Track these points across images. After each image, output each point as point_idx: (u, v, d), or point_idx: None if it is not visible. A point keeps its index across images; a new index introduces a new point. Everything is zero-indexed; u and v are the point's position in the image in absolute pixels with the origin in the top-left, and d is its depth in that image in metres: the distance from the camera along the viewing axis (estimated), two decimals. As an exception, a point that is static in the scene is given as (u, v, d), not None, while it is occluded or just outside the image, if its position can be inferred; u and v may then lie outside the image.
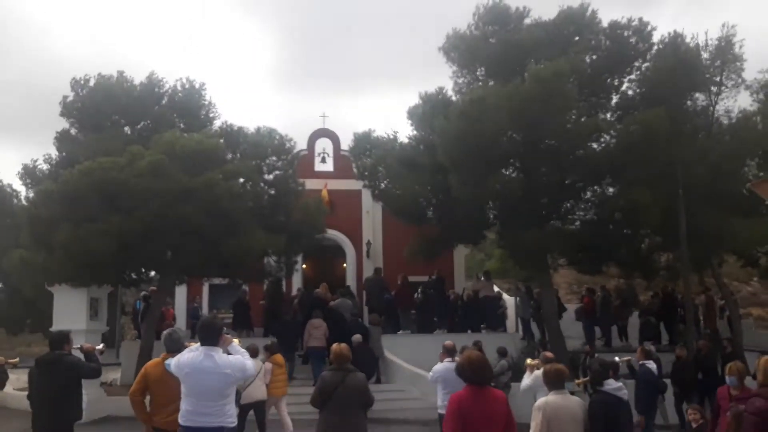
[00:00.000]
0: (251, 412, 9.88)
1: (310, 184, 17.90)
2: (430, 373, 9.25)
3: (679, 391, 12.24)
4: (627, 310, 18.32)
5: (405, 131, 17.89)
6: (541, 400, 5.23)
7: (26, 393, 6.78)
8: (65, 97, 16.55)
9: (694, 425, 7.58)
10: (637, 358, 9.51)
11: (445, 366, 8.03)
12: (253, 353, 10.22)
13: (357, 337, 13.25)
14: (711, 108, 16.08)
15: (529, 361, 8.90)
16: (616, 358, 9.44)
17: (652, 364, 9.25)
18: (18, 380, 13.81)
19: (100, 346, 7.13)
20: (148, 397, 5.72)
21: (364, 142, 17.77)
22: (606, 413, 5.30)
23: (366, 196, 20.12)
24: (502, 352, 12.37)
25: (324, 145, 22.21)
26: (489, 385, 4.69)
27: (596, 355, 12.49)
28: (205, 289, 20.08)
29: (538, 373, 6.88)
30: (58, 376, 6.18)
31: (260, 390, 9.92)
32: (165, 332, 6.09)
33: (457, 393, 4.71)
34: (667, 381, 11.41)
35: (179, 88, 16.90)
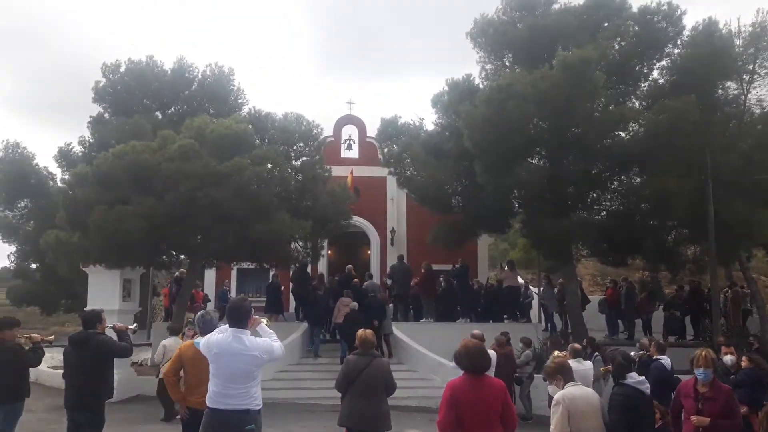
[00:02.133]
0: None
1: (336, 170, 18.04)
2: (453, 363, 9.29)
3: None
4: (652, 304, 18.07)
5: (431, 119, 17.92)
6: (559, 394, 5.16)
7: (61, 372, 6.89)
8: (97, 82, 16.97)
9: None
10: (651, 353, 9.32)
11: None
12: (175, 331, 11.15)
13: (353, 305, 14.79)
14: (743, 96, 15.77)
15: (556, 353, 8.87)
16: (632, 353, 9.33)
17: (666, 360, 9.05)
18: (52, 358, 14.31)
19: (133, 326, 7.28)
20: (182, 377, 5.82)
21: (390, 128, 17.81)
22: (627, 406, 5.23)
23: (391, 183, 20.20)
24: (527, 342, 12.37)
25: (350, 131, 22.36)
26: (485, 373, 4.67)
27: (609, 347, 12.27)
28: (234, 273, 20.44)
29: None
30: (89, 355, 6.28)
31: None
32: (198, 314, 6.17)
33: (453, 380, 4.70)
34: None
35: (209, 73, 17.21)
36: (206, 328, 5.43)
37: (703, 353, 5.71)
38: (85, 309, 11.48)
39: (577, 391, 5.12)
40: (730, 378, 7.95)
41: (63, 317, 25.15)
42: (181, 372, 5.85)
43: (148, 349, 16.72)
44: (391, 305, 17.19)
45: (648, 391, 5.62)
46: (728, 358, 8.69)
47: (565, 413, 4.93)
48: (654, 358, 8.97)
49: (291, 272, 17.90)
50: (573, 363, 7.00)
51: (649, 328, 17.66)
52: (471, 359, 4.61)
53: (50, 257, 14.41)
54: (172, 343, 10.80)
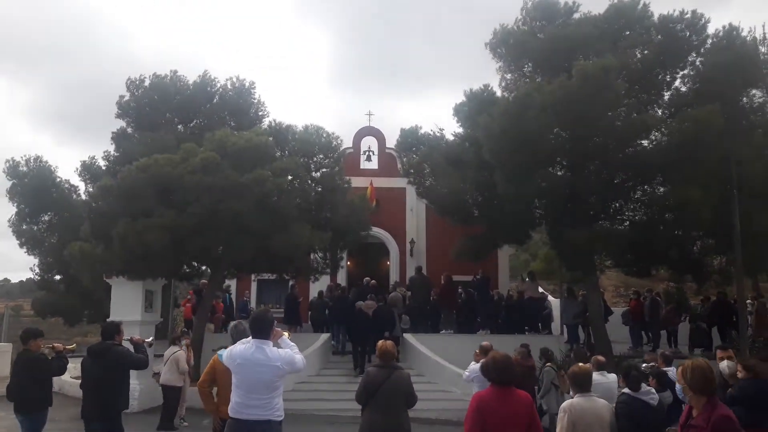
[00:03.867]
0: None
1: (356, 181, 18.08)
2: (466, 372, 9.28)
3: None
4: (678, 315, 17.65)
5: (451, 129, 17.90)
6: (566, 403, 5.15)
7: (80, 382, 7.00)
8: (121, 97, 17.24)
9: None
10: (658, 364, 9.16)
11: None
12: (174, 341, 11.51)
13: (360, 304, 15.61)
14: (768, 104, 15.47)
15: (580, 364, 8.74)
16: (643, 366, 9.18)
17: (672, 371, 8.84)
18: (75, 369, 14.47)
19: (149, 339, 7.37)
20: (215, 389, 5.85)
21: (410, 139, 17.82)
22: (630, 415, 5.30)
23: (410, 194, 20.20)
24: (547, 354, 12.23)
25: (369, 143, 22.45)
26: (513, 385, 4.60)
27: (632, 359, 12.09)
28: (254, 284, 20.55)
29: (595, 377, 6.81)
30: (108, 365, 6.37)
31: (165, 376, 11.09)
32: (231, 324, 6.21)
33: (479, 392, 4.67)
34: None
35: (230, 87, 17.39)
36: (239, 338, 5.48)
37: (682, 366, 4.23)
38: (107, 320, 11.64)
39: (586, 402, 5.08)
40: (726, 392, 6.39)
41: (86, 328, 25.41)
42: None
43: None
44: (406, 317, 17.22)
45: (654, 402, 5.66)
46: (724, 365, 6.86)
47: (569, 424, 4.93)
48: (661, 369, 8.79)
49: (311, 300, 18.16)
50: (596, 375, 6.93)
51: (675, 341, 17.32)
52: (498, 371, 4.56)
53: (74, 269, 14.60)
54: (167, 353, 11.30)
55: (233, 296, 19.02)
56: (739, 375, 6.29)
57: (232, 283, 19.26)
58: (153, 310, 14.08)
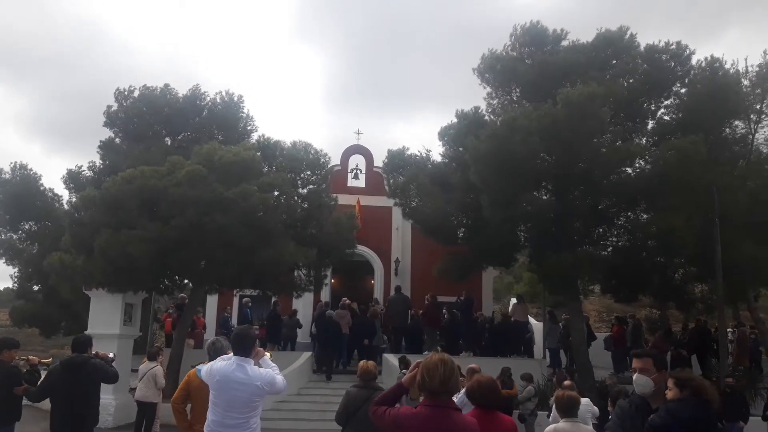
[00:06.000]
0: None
1: (342, 199, 18.04)
2: (459, 395, 9.23)
3: None
4: (668, 343, 17.44)
5: (437, 151, 18.02)
6: (550, 427, 5.17)
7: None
8: (109, 107, 17.12)
9: None
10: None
11: None
12: (152, 356, 11.28)
13: (330, 313, 16.30)
14: (750, 136, 15.81)
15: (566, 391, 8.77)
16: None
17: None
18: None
19: (111, 355, 7.15)
20: (189, 405, 5.69)
21: (397, 160, 17.88)
22: None
23: (396, 214, 20.19)
24: (528, 378, 12.22)
25: (357, 161, 22.50)
26: (497, 410, 4.56)
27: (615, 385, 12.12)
28: (236, 299, 20.32)
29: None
30: (83, 379, 6.17)
31: (142, 392, 10.89)
32: (209, 340, 6.08)
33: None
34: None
35: (219, 100, 17.35)
36: (215, 355, 5.38)
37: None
38: (85, 333, 11.41)
39: (571, 428, 5.08)
40: (649, 419, 4.07)
41: (62, 340, 24.94)
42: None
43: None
44: (383, 336, 17.30)
45: None
46: (640, 381, 4.40)
47: None
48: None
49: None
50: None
51: (665, 368, 17.17)
52: (483, 394, 4.54)
53: (53, 279, 14.35)
54: (143, 368, 11.02)
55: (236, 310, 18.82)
56: (670, 394, 4.29)
57: (212, 299, 19.05)
58: (132, 324, 13.85)
